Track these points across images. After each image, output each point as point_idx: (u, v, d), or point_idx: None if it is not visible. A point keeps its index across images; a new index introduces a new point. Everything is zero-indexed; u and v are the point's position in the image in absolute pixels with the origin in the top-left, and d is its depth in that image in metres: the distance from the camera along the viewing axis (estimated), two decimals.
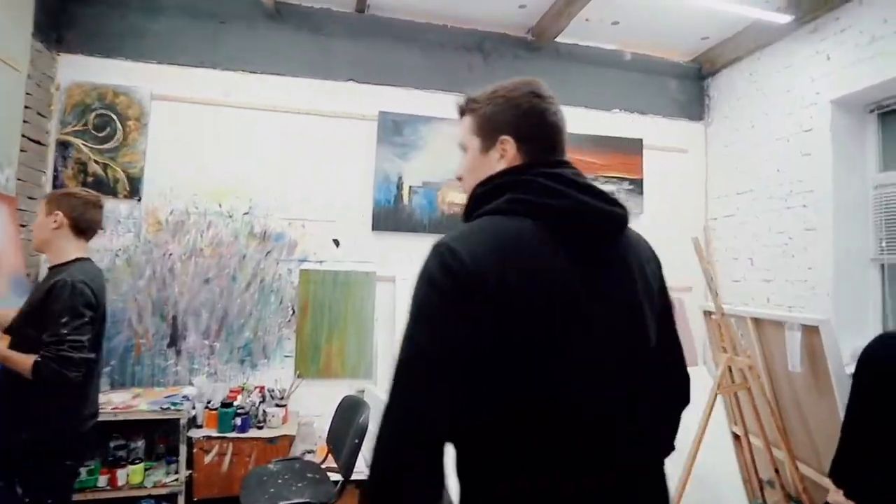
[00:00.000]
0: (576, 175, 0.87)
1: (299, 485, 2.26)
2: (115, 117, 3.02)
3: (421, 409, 0.73)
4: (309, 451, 2.91)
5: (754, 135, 3.44)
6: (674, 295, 3.15)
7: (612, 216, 0.86)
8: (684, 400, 1.07)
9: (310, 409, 3.02)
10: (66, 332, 1.60)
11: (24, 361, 1.57)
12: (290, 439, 2.77)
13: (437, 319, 0.75)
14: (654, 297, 0.93)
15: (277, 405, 2.85)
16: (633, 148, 3.65)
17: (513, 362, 0.76)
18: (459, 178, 0.98)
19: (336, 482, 2.27)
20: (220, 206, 3.09)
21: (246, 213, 3.11)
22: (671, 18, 3.33)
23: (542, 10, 3.30)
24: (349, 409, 2.42)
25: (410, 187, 3.30)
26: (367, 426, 2.21)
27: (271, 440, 2.71)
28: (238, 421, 2.68)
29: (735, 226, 3.55)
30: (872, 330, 2.81)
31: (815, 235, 2.97)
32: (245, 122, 3.16)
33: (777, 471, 2.16)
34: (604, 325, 0.82)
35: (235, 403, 2.76)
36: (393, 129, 3.31)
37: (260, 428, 2.75)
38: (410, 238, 3.27)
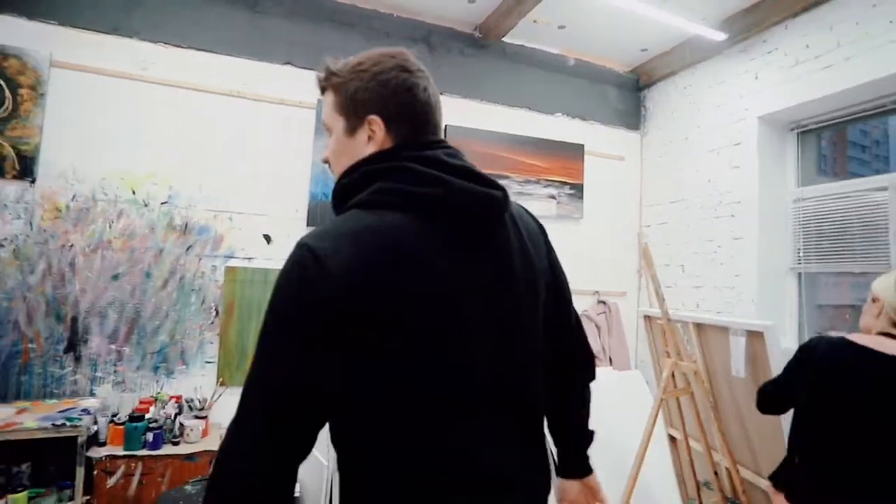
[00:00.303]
0: (450, 156, 0.80)
1: None
2: (2, 83, 2.58)
3: (270, 431, 0.68)
4: None
5: (687, 146, 3.59)
6: (609, 300, 3.16)
7: (491, 200, 0.79)
8: (589, 376, 1.07)
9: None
10: None
11: None
12: (210, 455, 2.49)
13: (293, 332, 0.69)
14: (542, 275, 0.90)
15: (197, 417, 2.56)
16: (574, 153, 3.69)
17: (387, 363, 0.71)
18: (326, 162, 0.89)
19: None
20: (133, 192, 2.73)
21: (164, 203, 2.77)
22: (614, 28, 3.40)
23: (491, 7, 3.24)
24: None
25: None
26: None
27: (189, 457, 2.41)
28: (150, 436, 2.36)
29: (667, 233, 3.68)
30: (791, 336, 3.01)
31: (742, 244, 3.13)
32: (166, 100, 2.82)
33: (716, 473, 2.22)
34: (487, 313, 0.78)
35: (147, 416, 2.43)
36: None
37: (176, 443, 2.45)
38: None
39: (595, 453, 1.08)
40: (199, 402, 2.65)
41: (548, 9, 3.17)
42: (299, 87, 3.06)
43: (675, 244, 3.60)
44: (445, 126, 3.35)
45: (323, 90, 0.88)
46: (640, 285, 3.76)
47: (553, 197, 3.57)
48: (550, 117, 3.68)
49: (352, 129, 0.82)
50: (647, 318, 2.72)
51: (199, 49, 2.90)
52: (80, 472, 2.25)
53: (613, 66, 3.89)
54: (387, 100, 0.80)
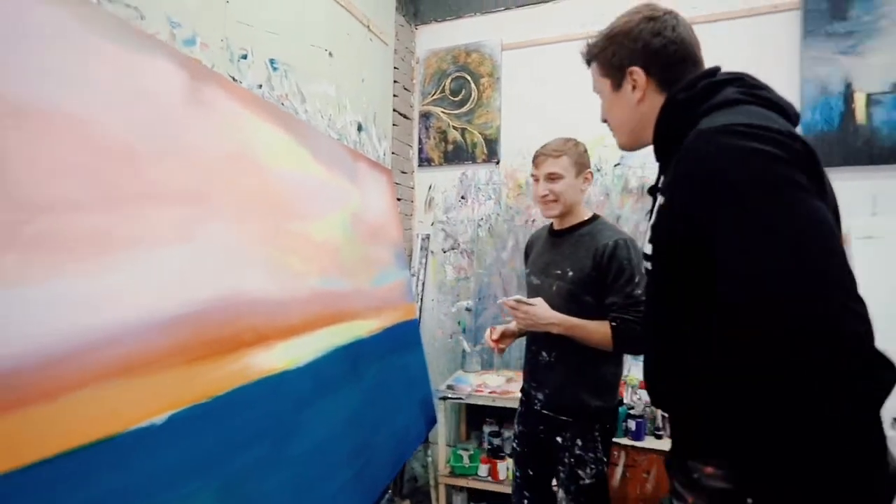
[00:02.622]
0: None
1: None
2: (468, 78, 2.82)
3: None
4: None
5: None
6: None
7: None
8: None
9: None
10: (639, 292, 1.45)
11: (599, 328, 1.47)
12: None
13: (798, 189, 0.65)
14: None
15: None
16: None
17: None
18: (604, 121, 1.03)
19: None
20: None
21: (617, 165, 2.50)
22: None
23: None
24: None
25: (868, 96, 2.13)
26: None
27: None
28: (631, 424, 2.09)
29: None
30: None
31: None
32: None
33: None
34: None
35: (626, 401, 2.17)
36: (829, 12, 2.19)
37: (658, 437, 2.10)
38: (872, 174, 2.11)
39: None
40: None
41: None
42: None
43: None
44: None
45: (588, 64, 1.03)
46: None
47: None
48: None
49: (617, 85, 0.95)
50: None
51: None
52: None
53: None
54: (638, 51, 0.91)
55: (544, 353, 1.59)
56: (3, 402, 0.66)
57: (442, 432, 2.35)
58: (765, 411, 0.67)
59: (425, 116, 2.90)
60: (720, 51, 2.38)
